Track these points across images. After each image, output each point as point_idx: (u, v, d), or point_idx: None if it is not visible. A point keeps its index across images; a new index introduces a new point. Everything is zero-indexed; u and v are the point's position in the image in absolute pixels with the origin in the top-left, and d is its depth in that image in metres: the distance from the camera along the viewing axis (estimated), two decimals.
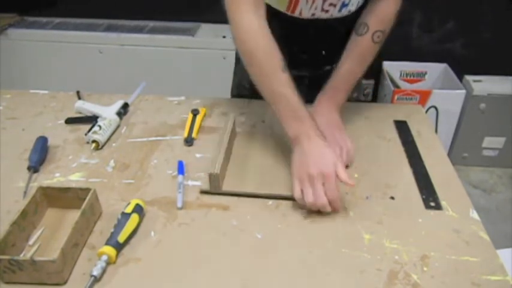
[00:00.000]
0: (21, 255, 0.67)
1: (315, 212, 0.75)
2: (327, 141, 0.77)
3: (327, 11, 0.88)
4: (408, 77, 2.17)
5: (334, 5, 0.87)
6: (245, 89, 1.10)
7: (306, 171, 0.73)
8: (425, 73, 2.16)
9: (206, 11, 1.97)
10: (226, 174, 0.82)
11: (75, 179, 0.84)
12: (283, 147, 0.89)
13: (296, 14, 0.89)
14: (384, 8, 0.89)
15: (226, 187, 0.80)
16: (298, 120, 0.77)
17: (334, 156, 0.74)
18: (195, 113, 1.02)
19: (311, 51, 0.99)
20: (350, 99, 1.11)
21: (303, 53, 0.99)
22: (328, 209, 0.73)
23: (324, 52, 0.99)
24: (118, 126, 1.00)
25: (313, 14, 0.89)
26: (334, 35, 0.95)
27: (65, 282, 0.63)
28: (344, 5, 0.87)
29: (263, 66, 0.79)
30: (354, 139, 0.92)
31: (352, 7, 0.89)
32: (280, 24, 0.93)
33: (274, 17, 0.91)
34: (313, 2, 0.86)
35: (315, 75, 1.03)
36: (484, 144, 2.14)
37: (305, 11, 0.88)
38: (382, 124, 1.01)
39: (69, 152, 0.92)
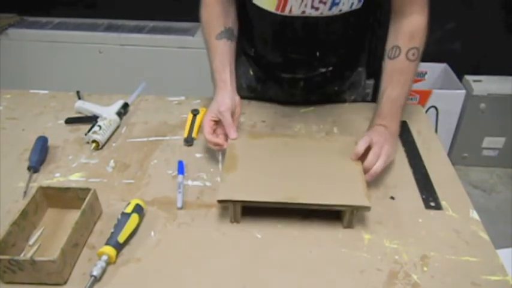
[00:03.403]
0: (21, 255, 0.67)
1: (315, 212, 0.75)
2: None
3: (317, 9, 0.88)
4: None
5: (324, 3, 0.86)
6: (242, 88, 1.11)
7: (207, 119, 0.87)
8: (425, 73, 2.16)
9: None
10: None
11: (75, 179, 0.84)
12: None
13: (286, 12, 0.89)
14: (411, 23, 0.87)
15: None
16: (217, 82, 0.92)
17: (227, 105, 0.87)
18: (195, 113, 1.02)
19: (304, 52, 0.99)
20: (349, 100, 1.11)
21: (296, 54, 0.99)
22: (209, 139, 0.84)
23: (318, 54, 0.98)
24: (118, 126, 1.00)
25: (303, 12, 0.88)
26: (326, 35, 0.95)
27: (65, 282, 0.64)
28: (334, 4, 0.86)
29: (205, 29, 0.97)
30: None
31: (344, 6, 0.87)
32: (271, 26, 0.94)
33: (264, 19, 0.92)
34: None
35: (309, 77, 1.03)
36: (484, 144, 2.14)
37: (295, 8, 0.88)
38: None
39: (69, 152, 0.92)
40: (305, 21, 0.90)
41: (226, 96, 0.88)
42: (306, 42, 0.96)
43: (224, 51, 0.93)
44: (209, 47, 0.95)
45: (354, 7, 0.88)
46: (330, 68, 1.01)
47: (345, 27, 0.93)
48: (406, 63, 0.87)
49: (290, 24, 0.91)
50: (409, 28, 0.88)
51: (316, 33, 0.94)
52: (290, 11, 0.88)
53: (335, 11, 0.88)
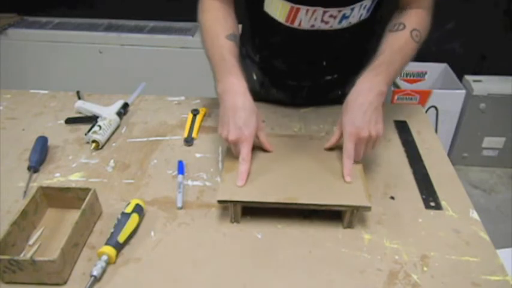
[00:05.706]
0: (21, 255, 0.67)
1: (315, 212, 0.75)
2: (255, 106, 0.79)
3: (327, 23, 0.86)
4: (408, 77, 2.17)
5: (335, 17, 0.85)
6: None
7: (226, 132, 0.78)
8: (425, 73, 2.16)
9: None
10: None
11: (75, 179, 0.84)
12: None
13: (295, 25, 0.88)
14: (417, 13, 0.87)
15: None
16: (228, 75, 0.81)
17: (253, 125, 0.77)
18: (195, 113, 1.02)
19: (311, 63, 0.98)
20: None
21: (303, 64, 0.98)
22: (242, 171, 0.75)
23: (324, 63, 0.98)
24: (118, 126, 1.00)
25: (312, 26, 0.87)
26: (334, 46, 0.94)
27: (65, 282, 0.64)
28: (345, 17, 0.86)
29: (209, 31, 0.87)
30: None
31: (353, 19, 0.87)
32: (279, 35, 0.93)
33: (273, 29, 0.91)
34: (313, 13, 0.85)
35: (315, 85, 1.02)
36: (484, 144, 2.14)
37: (304, 22, 0.87)
38: None
39: (69, 152, 0.92)
40: (314, 33, 0.89)
41: (250, 110, 0.78)
42: (313, 52, 0.95)
43: (236, 53, 0.86)
44: (217, 45, 0.85)
45: (362, 18, 0.87)
46: (336, 76, 1.01)
47: (352, 37, 0.92)
48: (409, 38, 0.83)
49: (298, 35, 0.89)
50: (415, 14, 0.87)
51: (324, 44, 0.93)
52: (300, 24, 0.87)
53: (345, 24, 0.87)
